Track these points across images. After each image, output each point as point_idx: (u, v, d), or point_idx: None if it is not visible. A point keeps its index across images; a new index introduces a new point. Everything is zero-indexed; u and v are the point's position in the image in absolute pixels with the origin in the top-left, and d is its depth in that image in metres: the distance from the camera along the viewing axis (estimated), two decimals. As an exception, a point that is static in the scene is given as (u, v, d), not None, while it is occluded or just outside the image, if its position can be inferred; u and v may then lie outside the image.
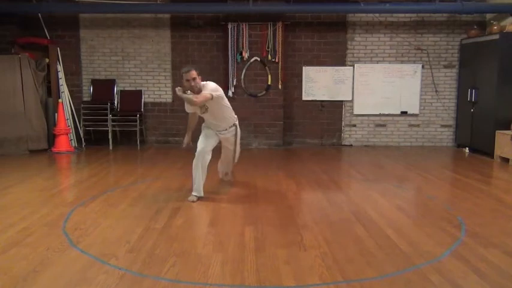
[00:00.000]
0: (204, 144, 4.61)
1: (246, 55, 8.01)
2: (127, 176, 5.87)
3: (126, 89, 8.48)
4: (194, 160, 4.61)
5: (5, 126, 7.29)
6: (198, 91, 4.34)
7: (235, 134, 4.77)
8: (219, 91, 4.45)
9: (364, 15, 8.28)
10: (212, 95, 4.32)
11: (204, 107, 4.44)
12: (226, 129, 4.70)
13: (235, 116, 4.81)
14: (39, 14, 7.95)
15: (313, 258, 3.17)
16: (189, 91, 4.35)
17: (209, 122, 4.70)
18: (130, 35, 8.38)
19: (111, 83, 8.41)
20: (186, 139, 4.88)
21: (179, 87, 4.30)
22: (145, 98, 8.46)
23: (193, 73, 4.29)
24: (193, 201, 4.57)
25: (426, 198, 4.94)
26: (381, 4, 7.81)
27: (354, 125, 8.62)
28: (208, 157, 4.63)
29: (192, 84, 4.29)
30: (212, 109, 4.48)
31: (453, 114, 8.53)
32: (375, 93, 8.45)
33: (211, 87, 4.40)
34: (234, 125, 4.74)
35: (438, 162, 7.14)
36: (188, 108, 4.60)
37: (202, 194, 4.64)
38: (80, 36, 8.36)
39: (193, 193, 4.64)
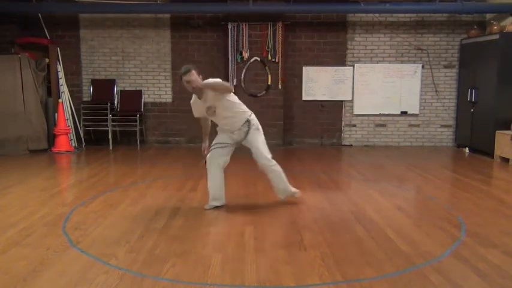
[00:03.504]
0: (214, 149, 4.29)
1: (246, 55, 8.01)
2: (127, 176, 5.87)
3: (126, 89, 8.48)
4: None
5: (5, 126, 7.29)
6: (199, 91, 4.03)
7: (248, 130, 4.24)
8: None
9: (364, 15, 8.28)
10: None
11: (211, 108, 4.09)
12: (239, 129, 4.24)
13: (249, 111, 4.32)
14: (39, 14, 7.95)
15: (313, 258, 3.17)
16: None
17: (222, 124, 4.30)
18: (130, 35, 8.38)
19: (111, 83, 8.41)
20: (203, 146, 4.44)
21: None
22: (145, 98, 8.46)
23: (193, 73, 3.95)
24: (205, 209, 4.33)
25: (426, 198, 4.94)
26: (381, 4, 7.81)
27: (354, 125, 8.62)
28: (219, 161, 4.28)
29: (194, 86, 3.96)
30: (220, 108, 4.10)
31: (453, 114, 8.53)
32: (375, 93, 8.45)
33: (215, 80, 4.03)
34: (247, 121, 4.23)
35: (438, 162, 7.14)
36: (196, 113, 4.27)
37: (216, 204, 4.36)
38: (80, 36, 8.36)
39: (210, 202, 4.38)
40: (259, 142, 4.31)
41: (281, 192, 4.51)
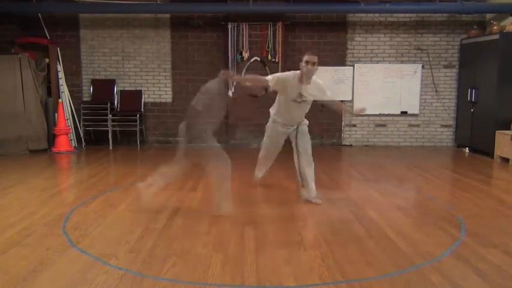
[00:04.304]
0: (267, 150, 5.05)
1: (246, 55, 8.01)
2: (127, 176, 5.87)
3: (126, 89, 8.48)
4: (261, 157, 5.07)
5: (5, 126, 7.28)
6: (308, 79, 4.46)
7: (302, 124, 4.80)
8: None
9: (364, 15, 8.28)
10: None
11: (302, 97, 4.49)
12: (297, 124, 4.75)
13: None
14: (39, 14, 7.95)
15: (313, 258, 3.17)
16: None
17: (288, 112, 4.69)
18: (130, 35, 8.38)
19: (111, 83, 8.41)
20: (234, 77, 4.89)
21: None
22: (145, 98, 8.46)
23: (316, 58, 4.42)
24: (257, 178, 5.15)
25: (426, 198, 4.94)
26: (381, 4, 7.81)
27: (354, 125, 8.62)
28: (270, 162, 5.11)
29: (310, 67, 4.37)
30: (306, 103, 4.56)
31: (453, 114, 8.53)
32: (374, 93, 8.44)
33: (324, 84, 4.63)
34: (303, 120, 4.81)
35: (438, 162, 7.14)
36: (276, 85, 4.59)
37: (262, 174, 5.12)
38: (80, 36, 8.36)
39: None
40: (308, 134, 4.80)
41: (312, 190, 4.66)
